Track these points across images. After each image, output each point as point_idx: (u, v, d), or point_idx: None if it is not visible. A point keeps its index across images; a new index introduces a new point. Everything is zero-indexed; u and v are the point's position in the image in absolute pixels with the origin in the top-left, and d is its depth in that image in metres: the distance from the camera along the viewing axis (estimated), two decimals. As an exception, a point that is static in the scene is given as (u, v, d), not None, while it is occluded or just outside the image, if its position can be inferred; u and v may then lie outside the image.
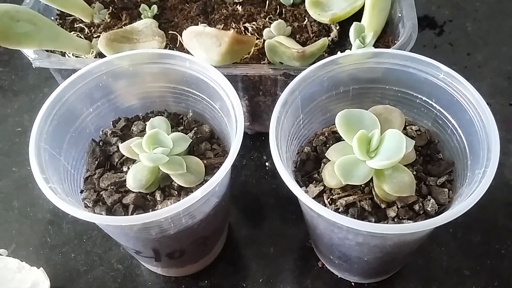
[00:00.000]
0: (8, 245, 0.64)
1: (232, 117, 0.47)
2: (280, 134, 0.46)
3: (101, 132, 0.54)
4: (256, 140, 0.73)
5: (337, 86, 0.51)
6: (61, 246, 0.64)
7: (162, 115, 0.55)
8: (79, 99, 0.50)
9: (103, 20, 0.70)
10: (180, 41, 0.65)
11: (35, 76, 0.83)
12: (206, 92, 0.52)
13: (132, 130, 0.54)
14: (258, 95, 0.65)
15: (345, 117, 0.46)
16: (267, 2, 0.71)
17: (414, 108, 0.52)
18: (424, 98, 0.50)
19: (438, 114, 0.50)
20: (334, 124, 0.51)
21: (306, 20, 0.68)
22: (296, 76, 0.57)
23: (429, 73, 0.48)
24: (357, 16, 0.66)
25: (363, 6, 0.66)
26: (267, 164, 0.70)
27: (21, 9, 0.60)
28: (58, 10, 0.70)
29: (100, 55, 0.63)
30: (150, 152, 0.48)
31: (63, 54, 0.64)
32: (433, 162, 0.50)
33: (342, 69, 0.50)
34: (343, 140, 0.47)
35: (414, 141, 0.47)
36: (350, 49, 0.63)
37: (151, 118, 0.52)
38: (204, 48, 0.54)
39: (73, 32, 0.68)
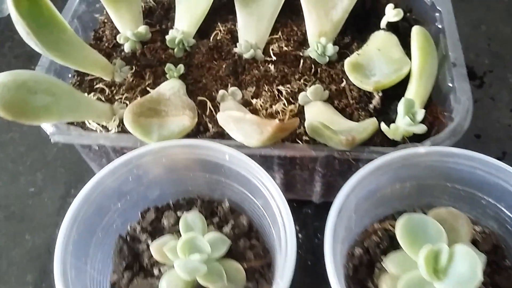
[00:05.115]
0: (22, 328, 0.59)
1: (279, 227, 0.42)
2: (335, 246, 0.41)
3: (129, 227, 0.49)
4: (287, 207, 0.68)
5: (393, 182, 0.46)
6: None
7: (195, 203, 0.50)
8: (106, 197, 0.45)
9: (125, 79, 0.64)
10: (209, 107, 0.60)
11: (48, 128, 0.78)
12: (246, 187, 0.47)
13: (163, 224, 0.48)
14: (294, 169, 0.60)
15: (406, 227, 0.41)
16: (301, 60, 0.66)
17: (478, 207, 0.47)
18: (491, 201, 0.45)
19: (507, 220, 0.45)
20: (387, 219, 0.46)
21: (344, 83, 0.63)
22: (341, 158, 0.52)
23: (501, 178, 0.43)
24: (402, 81, 0.61)
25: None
26: (300, 235, 0.65)
27: (39, 78, 0.55)
28: (76, 68, 0.65)
29: (123, 122, 0.58)
30: (186, 258, 0.43)
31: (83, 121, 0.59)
32: (500, 271, 0.45)
33: (400, 165, 0.45)
34: (397, 239, 0.42)
35: (486, 258, 0.42)
36: (395, 119, 0.58)
37: (184, 214, 0.46)
38: (242, 133, 0.49)
39: (92, 93, 0.63)
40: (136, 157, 0.45)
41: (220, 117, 0.50)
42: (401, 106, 0.55)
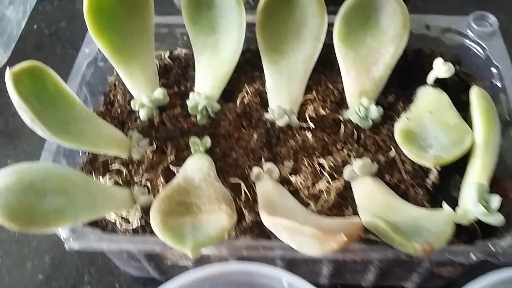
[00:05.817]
0: None
1: None
2: None
3: None
4: (331, 290, 0.60)
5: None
6: None
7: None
8: None
9: (144, 155, 0.56)
10: (244, 190, 0.53)
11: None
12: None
13: None
14: (346, 262, 0.52)
15: None
16: (341, 125, 0.58)
17: None
18: None
19: None
20: None
21: (394, 151, 0.55)
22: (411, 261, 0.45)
23: None
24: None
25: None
26: (348, 325, 0.58)
27: (47, 174, 0.47)
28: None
29: (146, 211, 0.51)
30: None
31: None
32: None
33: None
34: None
35: None
36: (457, 196, 0.51)
37: None
38: (297, 243, 0.41)
39: (108, 176, 0.55)
40: (175, 291, 0.37)
41: (268, 222, 0.42)
42: (472, 192, 0.47)
